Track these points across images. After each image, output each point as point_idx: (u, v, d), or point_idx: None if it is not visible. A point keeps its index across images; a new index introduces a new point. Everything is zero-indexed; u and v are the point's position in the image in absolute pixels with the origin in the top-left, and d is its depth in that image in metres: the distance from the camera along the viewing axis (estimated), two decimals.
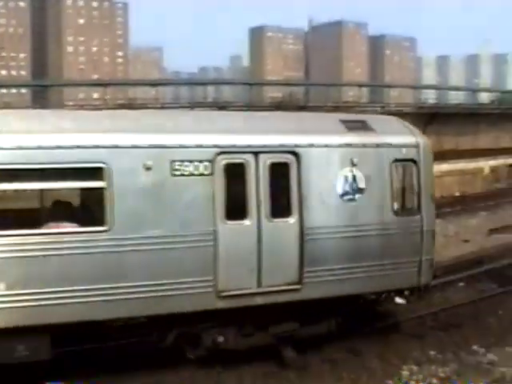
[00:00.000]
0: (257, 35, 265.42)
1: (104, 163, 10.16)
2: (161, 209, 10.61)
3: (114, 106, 49.07)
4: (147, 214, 10.49)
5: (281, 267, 11.44)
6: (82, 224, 10.36)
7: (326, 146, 11.95)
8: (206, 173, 10.82)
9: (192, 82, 78.85)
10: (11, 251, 9.65)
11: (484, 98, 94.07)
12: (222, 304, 11.03)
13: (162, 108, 48.66)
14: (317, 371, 11.82)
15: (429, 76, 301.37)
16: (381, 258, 12.23)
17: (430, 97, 79.65)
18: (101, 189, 10.22)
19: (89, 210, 10.96)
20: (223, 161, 11.01)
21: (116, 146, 10.32)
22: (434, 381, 11.40)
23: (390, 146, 12.54)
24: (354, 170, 12.04)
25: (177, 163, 10.64)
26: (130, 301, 10.34)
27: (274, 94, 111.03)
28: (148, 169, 10.45)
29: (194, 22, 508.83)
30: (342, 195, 11.96)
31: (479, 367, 11.95)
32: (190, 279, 10.69)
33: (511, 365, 11.88)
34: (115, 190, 10.19)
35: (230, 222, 11.01)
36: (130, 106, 51.06)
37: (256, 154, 11.29)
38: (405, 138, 12.98)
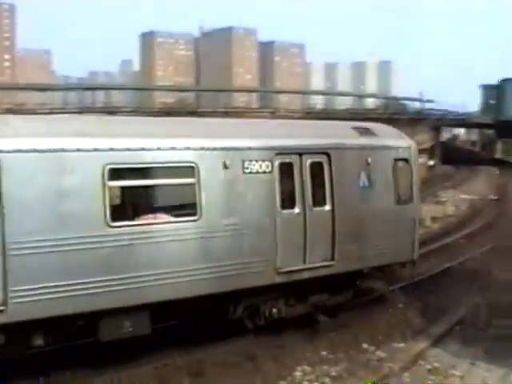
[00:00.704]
0: (147, 40, 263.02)
1: (194, 163, 12.06)
2: (235, 200, 12.63)
3: (0, 110, 47.04)
4: (225, 204, 12.47)
5: (319, 247, 13.81)
6: (177, 215, 12.15)
7: (348, 148, 14.63)
8: (267, 170, 13.05)
9: (82, 87, 76.98)
10: (130, 239, 11.24)
11: (370, 103, 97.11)
12: (279, 279, 13.19)
13: (51, 113, 47.13)
14: (211, 375, 11.82)
15: (317, 82, 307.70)
16: (388, 238, 15.03)
17: (319, 102, 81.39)
18: (192, 184, 12.05)
19: (182, 202, 12.74)
20: (278, 160, 13.25)
21: (202, 148, 12.24)
22: (327, 380, 11.66)
23: (391, 148, 15.63)
24: (368, 167, 14.78)
25: (246, 162, 12.74)
26: (213, 279, 12.19)
27: (164, 99, 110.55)
28: (226, 167, 12.45)
29: (84, 26, 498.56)
30: (361, 187, 14.60)
31: (369, 364, 12.34)
32: (258, 259, 12.80)
33: (398, 360, 12.34)
34: (202, 185, 12.08)
35: (284, 211, 13.28)
36: (19, 110, 49.17)
37: (300, 154, 13.64)
38: (400, 141, 16.21)
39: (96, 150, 11.00)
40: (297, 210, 13.52)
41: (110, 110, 49.70)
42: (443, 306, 16.19)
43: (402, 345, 13.49)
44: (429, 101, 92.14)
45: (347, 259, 14.22)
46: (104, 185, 10.97)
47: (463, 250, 24.18)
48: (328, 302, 14.79)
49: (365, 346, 13.38)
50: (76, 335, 11.57)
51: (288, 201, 13.42)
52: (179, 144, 12.05)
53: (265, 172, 13.00)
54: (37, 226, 10.33)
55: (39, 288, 10.30)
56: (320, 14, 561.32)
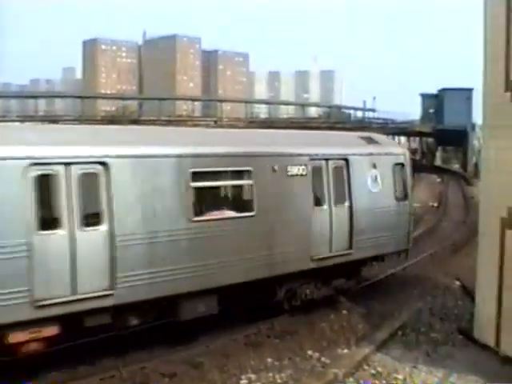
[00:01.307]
0: (90, 48, 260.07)
1: (251, 167, 14.34)
2: (281, 199, 14.97)
3: None
4: (274, 202, 14.79)
5: (341, 238, 16.35)
6: (239, 211, 14.36)
7: (361, 154, 17.26)
8: (303, 174, 15.50)
9: (23, 95, 75.52)
10: (206, 232, 13.37)
11: (313, 112, 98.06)
12: (312, 265, 15.66)
13: None
14: None
15: (261, 90, 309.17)
16: (390, 229, 17.71)
17: (262, 111, 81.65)
18: (250, 185, 14.46)
19: (241, 201, 14.87)
20: (311, 165, 15.70)
21: (257, 155, 14.67)
22: None
23: (391, 154, 18.47)
24: (375, 171, 17.43)
25: (289, 167, 15.12)
26: (266, 265, 14.55)
27: (107, 107, 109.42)
28: (274, 171, 14.84)
29: (25, 32, 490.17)
30: (370, 187, 17.23)
31: (314, 371, 12.44)
32: (299, 248, 15.23)
33: (342, 366, 12.45)
34: (257, 185, 14.41)
35: (316, 207, 15.76)
36: None
37: (327, 160, 16.22)
38: (397, 148, 19.72)
39: (181, 156, 13.13)
40: (325, 206, 16.09)
41: (53, 119, 48.88)
42: (386, 312, 16.43)
43: (346, 351, 13.64)
44: (371, 110, 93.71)
45: (362, 248, 16.83)
46: (187, 185, 13.12)
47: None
48: (345, 285, 17.86)
49: (309, 352, 13.49)
50: (160, 316, 13.45)
51: (318, 198, 15.97)
52: (238, 151, 14.46)
53: (302, 175, 15.49)
54: (137, 220, 12.26)
55: (139, 274, 12.20)
56: (263, 23, 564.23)
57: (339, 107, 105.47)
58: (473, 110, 77.44)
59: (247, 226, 14.28)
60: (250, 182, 14.47)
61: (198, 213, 13.40)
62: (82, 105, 55.74)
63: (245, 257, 14.09)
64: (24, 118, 50.25)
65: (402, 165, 18.64)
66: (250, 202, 14.46)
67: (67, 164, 11.50)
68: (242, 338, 14.45)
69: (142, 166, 12.52)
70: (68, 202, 11.46)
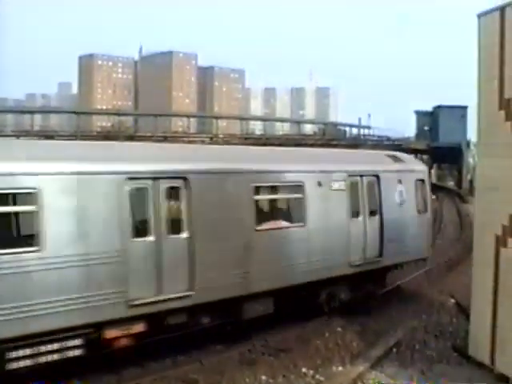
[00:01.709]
0: (86, 63, 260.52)
1: (302, 182, 16.10)
2: (326, 210, 16.65)
3: None
4: (321, 214, 16.49)
5: (372, 246, 18.02)
6: (292, 221, 16.08)
7: (389, 171, 19.05)
8: (342, 188, 17.14)
9: (19, 110, 75.55)
10: (265, 240, 15.04)
11: (308, 129, 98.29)
12: (350, 270, 17.34)
13: None
14: None
15: (256, 107, 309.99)
16: (413, 239, 19.37)
17: (257, 128, 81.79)
18: (301, 198, 16.05)
19: (293, 212, 16.49)
20: (349, 180, 17.38)
21: (307, 171, 16.44)
22: None
23: (413, 171, 20.34)
24: (401, 186, 19.13)
25: (332, 182, 16.83)
26: (314, 270, 16.11)
27: (103, 123, 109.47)
28: (320, 185, 16.53)
29: (21, 47, 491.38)
30: (397, 200, 18.91)
31: None
32: (339, 254, 16.89)
33: (336, 383, 12.41)
34: (308, 198, 16.10)
35: (353, 218, 17.41)
36: None
37: (361, 176, 17.95)
38: (418, 165, 21.86)
39: (246, 172, 14.85)
40: (360, 218, 17.80)
41: (49, 134, 48.91)
42: (381, 329, 16.40)
43: (340, 368, 13.60)
44: (366, 127, 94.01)
45: (390, 256, 18.45)
46: (252, 198, 14.77)
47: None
48: (372, 289, 19.12)
49: (304, 370, 13.45)
50: (226, 316, 14.70)
51: (355, 211, 17.61)
52: (293, 168, 16.34)
53: (341, 189, 17.15)
54: (212, 229, 13.80)
55: (213, 277, 13.64)
56: (259, 40, 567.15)
57: (334, 124, 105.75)
58: (467, 127, 77.78)
59: (299, 235, 15.97)
60: (301, 195, 16.13)
61: (259, 222, 15.03)
62: (77, 120, 55.73)
63: (296, 262, 15.78)
64: (19, 133, 50.23)
65: (423, 180, 20.52)
66: (301, 213, 16.13)
67: (155, 179, 13.04)
68: (237, 355, 14.41)
69: (215, 180, 14.20)
70: (155, 213, 12.96)
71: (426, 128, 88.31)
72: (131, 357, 13.28)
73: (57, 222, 11.43)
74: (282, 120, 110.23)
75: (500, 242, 12.59)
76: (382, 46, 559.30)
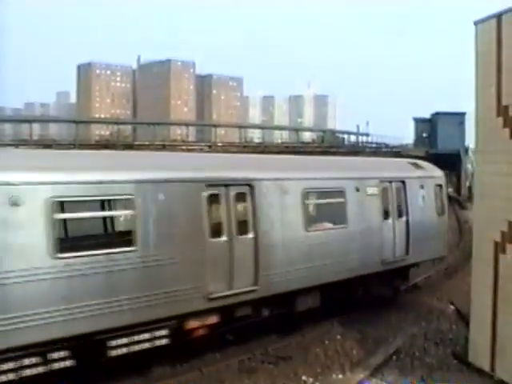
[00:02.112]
0: (85, 72, 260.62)
1: (343, 188, 17.87)
2: (362, 213, 18.33)
3: None
4: (358, 216, 18.16)
5: (400, 245, 19.77)
6: (336, 223, 17.63)
7: (413, 177, 20.96)
8: (376, 193, 18.98)
9: (17, 119, 75.44)
10: (314, 240, 16.56)
11: (307, 136, 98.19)
12: (382, 267, 19.03)
13: None
14: None
15: (255, 115, 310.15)
16: (433, 239, 21.11)
17: (256, 136, 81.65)
18: (343, 202, 17.74)
19: (336, 215, 17.82)
20: (381, 186, 19.24)
21: (347, 178, 18.22)
22: None
23: (433, 177, 22.26)
24: (423, 191, 21.07)
25: (367, 187, 18.62)
26: (355, 267, 17.78)
27: (101, 131, 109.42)
28: (358, 191, 18.25)
29: (20, 56, 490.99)
30: (420, 204, 20.77)
31: None
32: (374, 252, 18.63)
33: None
34: (348, 202, 17.85)
35: (385, 220, 19.18)
36: None
37: (390, 182, 19.77)
38: (437, 172, 23.11)
39: (300, 179, 16.55)
40: (390, 220, 19.49)
41: (48, 143, 48.86)
42: (380, 337, 16.39)
43: (340, 376, 13.62)
44: (364, 134, 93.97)
45: (414, 254, 20.21)
46: (303, 202, 16.40)
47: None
48: (400, 285, 21.18)
49: (304, 378, 13.47)
50: (281, 308, 16.11)
51: (386, 213, 19.33)
52: (335, 175, 18.15)
53: (375, 194, 18.92)
54: (273, 230, 15.41)
55: (274, 273, 15.23)
56: (258, 47, 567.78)
57: (333, 131, 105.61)
58: (466, 134, 77.78)
59: (341, 236, 17.62)
60: (342, 199, 17.76)
61: (310, 224, 16.63)
62: (76, 129, 55.67)
63: (339, 260, 17.27)
64: (18, 142, 50.15)
65: (441, 186, 22.43)
66: (343, 215, 17.76)
67: (227, 185, 14.47)
68: (236, 363, 14.40)
69: (275, 186, 15.75)
70: (227, 216, 14.37)
71: (424, 135, 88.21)
72: (131, 365, 13.26)
73: (150, 225, 12.81)
74: (281, 128, 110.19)
75: (499, 248, 12.61)
76: (380, 54, 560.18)
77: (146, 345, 12.81)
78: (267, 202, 15.44)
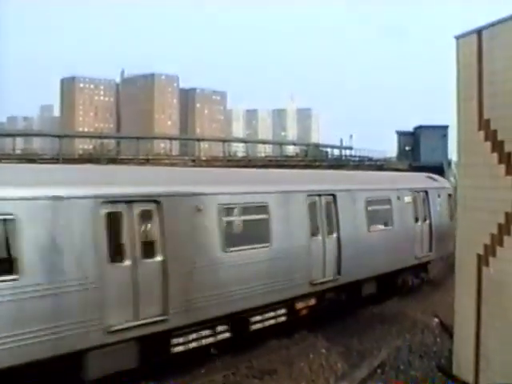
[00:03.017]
0: (68, 85, 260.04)
1: (389, 196, 22.31)
2: (402, 217, 22.86)
3: None
4: (400, 220, 22.68)
5: (426, 243, 24.49)
6: (384, 225, 21.99)
7: (432, 188, 25.71)
8: (410, 201, 23.53)
9: (0, 134, 75.03)
10: (372, 238, 21.04)
11: (291, 150, 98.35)
12: (415, 261, 23.79)
13: None
14: None
15: (238, 128, 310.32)
16: (446, 239, 23.72)
17: (240, 149, 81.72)
18: (389, 209, 22.25)
19: (385, 218, 22.14)
20: (414, 195, 23.87)
21: (391, 189, 22.92)
22: None
23: (445, 187, 27.28)
24: (439, 199, 25.70)
25: (404, 196, 23.15)
26: (394, 261, 22.12)
27: (84, 145, 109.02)
28: (398, 199, 22.71)
29: (2, 70, 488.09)
30: (437, 210, 25.36)
31: None
32: (409, 250, 23.15)
33: None
34: (393, 209, 22.44)
35: (416, 223, 23.80)
36: None
37: (418, 192, 24.28)
38: (447, 184, 28.47)
39: (361, 190, 20.87)
40: (419, 223, 24.09)
41: (31, 158, 48.61)
42: (365, 350, 16.38)
43: None
44: (348, 147, 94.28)
45: (436, 251, 24.84)
46: (366, 209, 20.79)
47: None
48: (425, 277, 25.37)
49: None
50: (352, 293, 20.42)
51: (416, 217, 23.88)
52: (384, 187, 23.04)
53: (409, 202, 23.51)
54: (349, 232, 19.52)
55: (350, 264, 19.23)
56: (241, 61, 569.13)
57: (317, 145, 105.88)
58: (449, 147, 78.25)
59: (389, 235, 21.88)
60: (389, 206, 22.21)
61: (370, 226, 20.73)
62: (59, 143, 55.44)
63: (388, 256, 21.40)
64: (1, 156, 49.85)
65: (450, 195, 26.52)
66: (390, 218, 22.25)
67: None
68: (221, 378, 14.32)
69: (349, 196, 19.96)
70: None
71: (407, 148, 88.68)
72: (112, 381, 13.13)
73: (278, 226, 16.59)
74: (264, 142, 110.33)
75: (482, 260, 12.65)
76: (363, 68, 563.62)
77: (271, 321, 16.81)
78: (345, 209, 19.36)
